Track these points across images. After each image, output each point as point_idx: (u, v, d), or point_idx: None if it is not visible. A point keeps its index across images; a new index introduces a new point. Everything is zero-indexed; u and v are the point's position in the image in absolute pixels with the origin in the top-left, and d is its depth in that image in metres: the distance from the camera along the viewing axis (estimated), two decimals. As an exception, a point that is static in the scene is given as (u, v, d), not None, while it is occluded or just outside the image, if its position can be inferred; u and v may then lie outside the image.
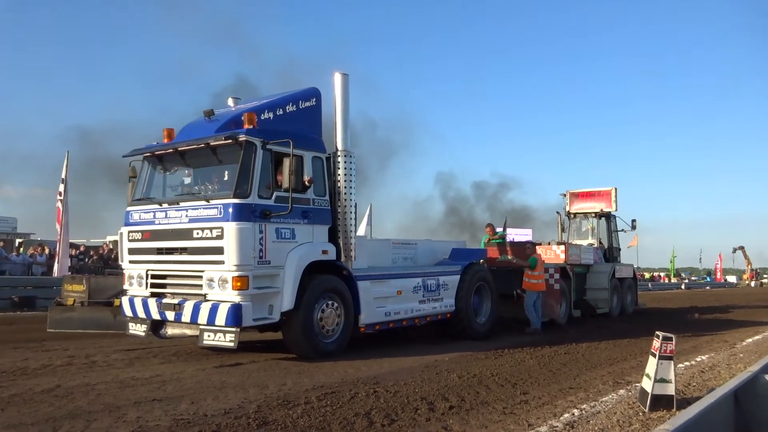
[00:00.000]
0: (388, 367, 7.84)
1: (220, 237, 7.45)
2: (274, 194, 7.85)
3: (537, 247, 13.84)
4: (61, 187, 18.22)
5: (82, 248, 22.57)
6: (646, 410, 5.44)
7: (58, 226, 18.19)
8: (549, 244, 15.28)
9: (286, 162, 7.73)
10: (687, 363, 8.54)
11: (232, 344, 7.35)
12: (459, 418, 5.35)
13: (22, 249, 22.43)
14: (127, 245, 8.55)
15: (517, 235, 22.72)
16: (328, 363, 7.85)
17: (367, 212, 20.36)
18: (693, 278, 65.10)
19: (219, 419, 5.07)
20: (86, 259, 21.16)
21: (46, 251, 19.89)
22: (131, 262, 8.56)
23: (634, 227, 18.89)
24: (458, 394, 6.24)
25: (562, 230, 18.29)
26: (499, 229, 15.27)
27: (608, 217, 18.25)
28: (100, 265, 21.14)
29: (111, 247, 23.99)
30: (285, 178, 7.75)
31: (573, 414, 5.54)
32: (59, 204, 18.19)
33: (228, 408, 5.45)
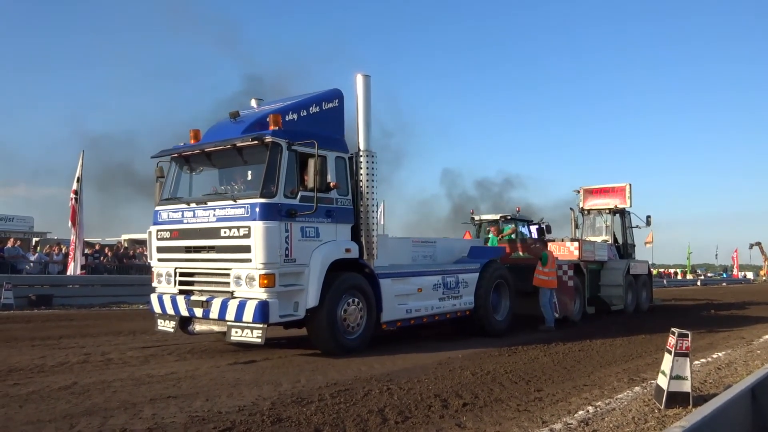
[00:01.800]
0: (401, 364, 7.85)
1: (247, 236, 7.55)
2: (299, 194, 7.94)
3: (549, 244, 13.75)
4: (76, 186, 18.42)
5: (97, 247, 22.80)
6: (662, 407, 5.40)
7: (70, 224, 18.39)
8: (563, 241, 15.18)
9: (311, 162, 7.82)
10: (703, 360, 8.47)
11: (259, 340, 7.50)
12: (473, 415, 5.34)
13: (38, 248, 22.67)
14: (155, 244, 8.68)
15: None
16: (341, 360, 7.87)
17: (381, 210, 20.41)
18: (709, 274, 64.36)
19: (233, 416, 5.10)
20: (101, 258, 21.37)
21: (63, 250, 20.10)
22: (160, 260, 8.69)
23: (648, 223, 18.70)
24: (472, 391, 6.23)
25: (576, 227, 18.18)
26: (510, 225, 15.23)
27: (622, 213, 18.10)
28: (114, 263, 21.39)
29: (126, 245, 24.26)
30: (310, 178, 7.85)
31: (588, 411, 5.50)
32: (73, 202, 18.39)
33: (242, 405, 5.48)
